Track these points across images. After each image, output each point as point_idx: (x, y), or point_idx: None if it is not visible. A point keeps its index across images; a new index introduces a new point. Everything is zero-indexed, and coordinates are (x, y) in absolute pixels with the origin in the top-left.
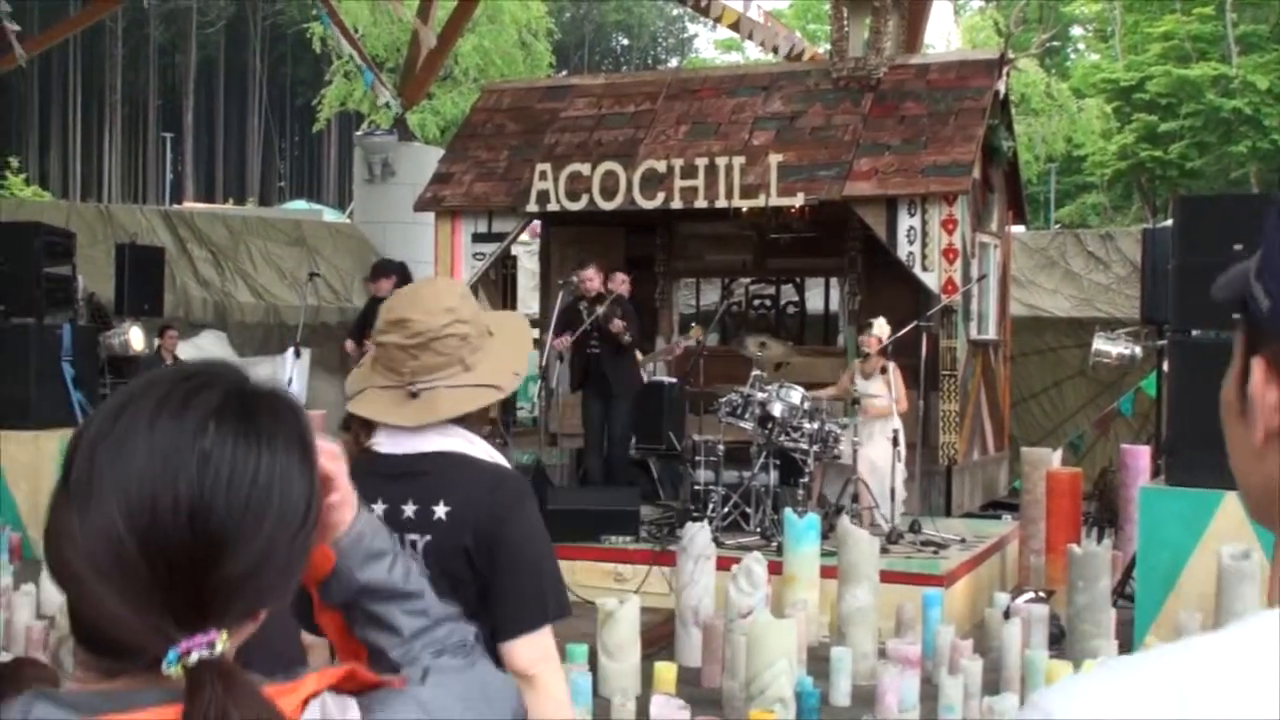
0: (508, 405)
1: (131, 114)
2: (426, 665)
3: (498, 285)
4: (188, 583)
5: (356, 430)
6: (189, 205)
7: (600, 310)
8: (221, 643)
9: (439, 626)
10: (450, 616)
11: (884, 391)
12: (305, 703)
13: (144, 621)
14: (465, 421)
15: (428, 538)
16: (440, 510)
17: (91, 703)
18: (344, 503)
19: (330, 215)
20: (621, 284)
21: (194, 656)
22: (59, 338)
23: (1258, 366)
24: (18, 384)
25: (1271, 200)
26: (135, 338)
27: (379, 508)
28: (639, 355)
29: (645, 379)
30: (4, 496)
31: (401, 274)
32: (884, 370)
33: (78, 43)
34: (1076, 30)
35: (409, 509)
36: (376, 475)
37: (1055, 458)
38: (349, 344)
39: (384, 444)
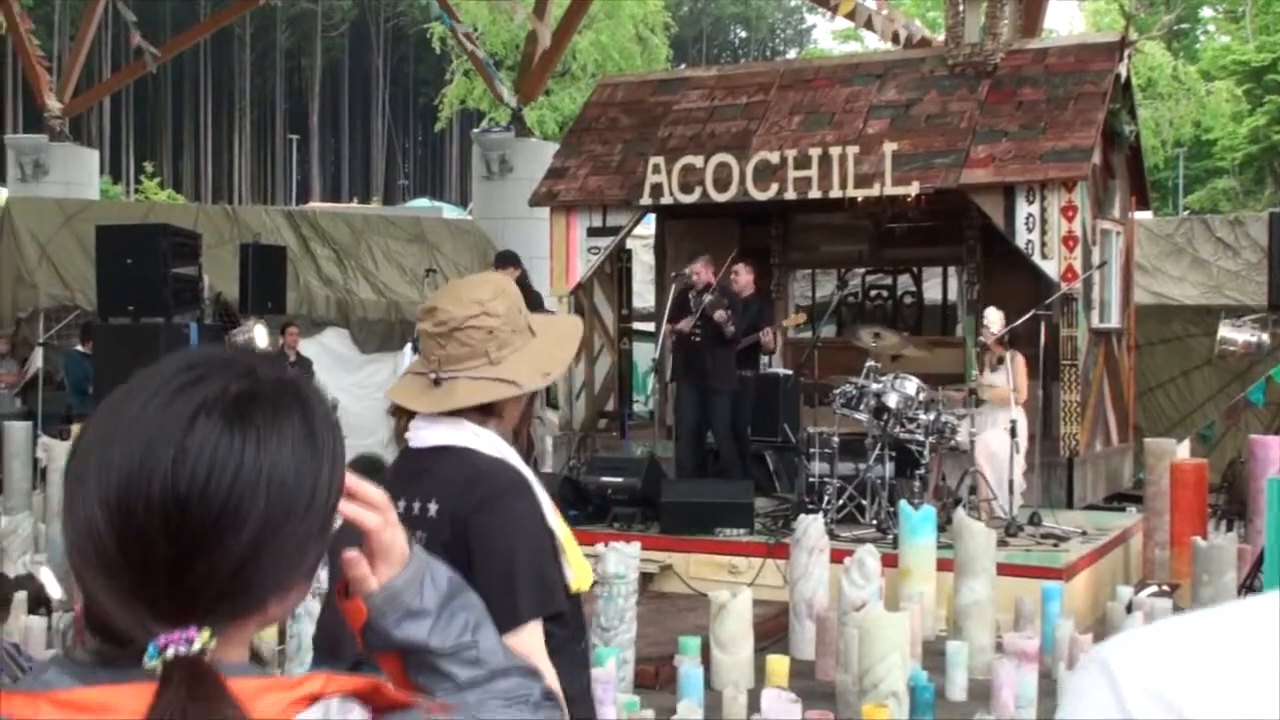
0: (626, 398)
1: (259, 118)
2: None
3: (613, 279)
4: (167, 578)
5: (402, 421)
6: (313, 205)
7: (707, 299)
8: (202, 640)
9: (500, 679)
10: (517, 669)
11: (1004, 382)
12: (311, 701)
13: (129, 613)
14: (492, 418)
15: (420, 535)
16: (432, 507)
17: (90, 673)
18: (380, 556)
19: (451, 212)
20: (742, 274)
21: (170, 652)
22: (186, 336)
23: None
24: None
25: None
26: (260, 335)
27: (400, 504)
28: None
29: (760, 369)
30: None
31: (518, 265)
32: (1001, 360)
33: (207, 49)
34: (1206, 12)
35: (416, 506)
36: (403, 472)
37: (1181, 449)
38: None
39: (412, 437)
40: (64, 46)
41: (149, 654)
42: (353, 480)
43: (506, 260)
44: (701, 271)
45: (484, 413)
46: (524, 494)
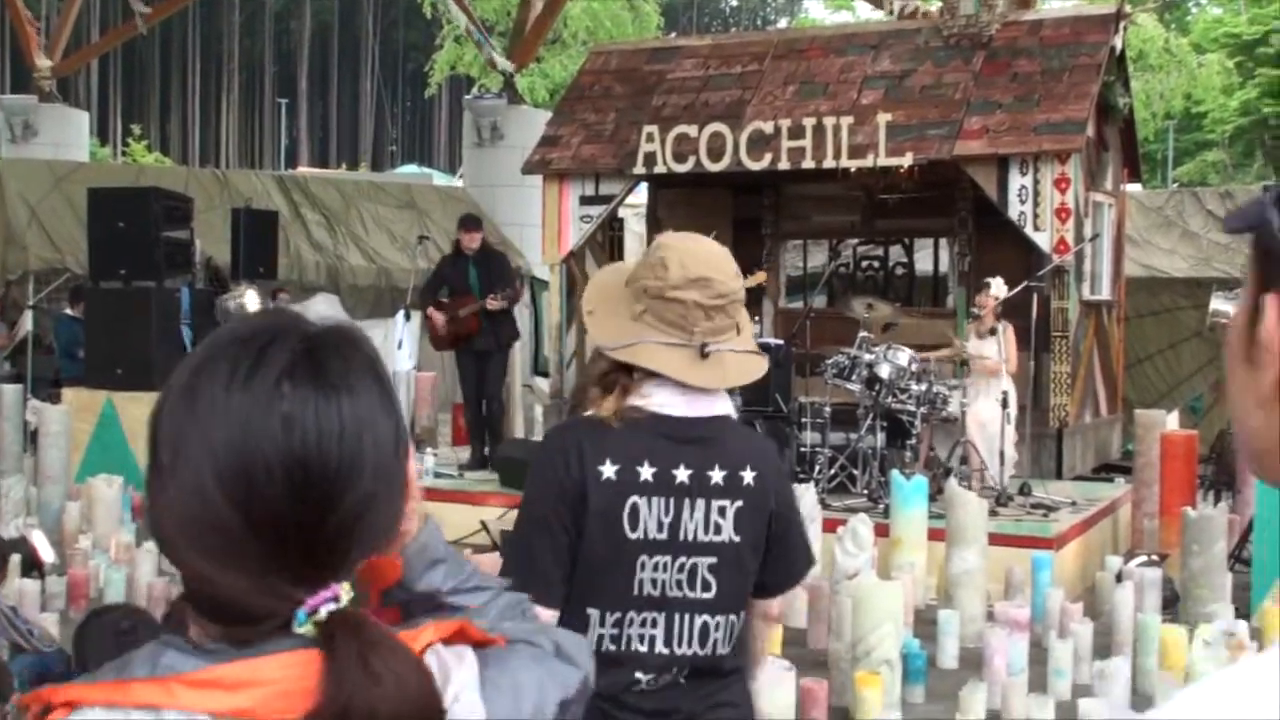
0: None
1: (248, 81)
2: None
3: (605, 248)
4: (299, 543)
5: (625, 383)
6: (303, 170)
7: None
8: (345, 594)
9: (496, 596)
10: (497, 584)
11: (994, 352)
12: (423, 651)
13: (263, 587)
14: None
15: (739, 503)
16: (748, 475)
17: (226, 650)
18: (413, 512)
19: (440, 179)
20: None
21: (323, 612)
22: (178, 300)
23: (1272, 306)
24: (139, 346)
25: None
26: (251, 300)
27: (680, 472)
28: None
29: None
30: (127, 457)
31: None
32: (993, 331)
33: (196, 11)
34: None
35: (716, 474)
36: (664, 437)
37: (1170, 420)
38: (436, 315)
39: (670, 405)
40: (52, 8)
41: (298, 620)
42: None
43: (476, 224)
44: None
45: None
46: None
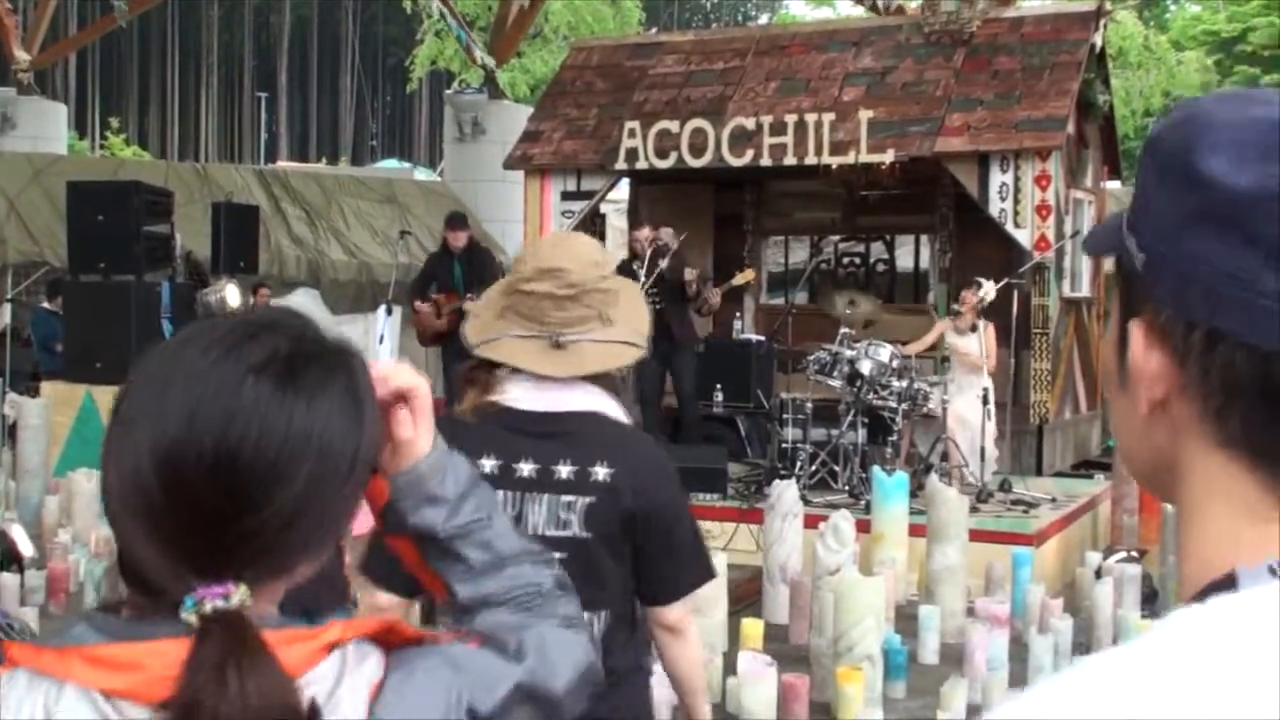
0: None
1: (227, 74)
2: (477, 622)
3: None
4: (210, 532)
5: (485, 380)
6: (283, 164)
7: (663, 264)
8: (239, 595)
9: (511, 565)
10: (529, 555)
11: (975, 348)
12: (329, 649)
13: (167, 565)
14: (600, 381)
15: (589, 499)
16: (601, 472)
17: (121, 629)
18: (423, 415)
19: (421, 174)
20: (672, 238)
21: (208, 605)
22: (159, 295)
23: (1136, 331)
24: (119, 340)
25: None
26: (231, 295)
27: (524, 466)
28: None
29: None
30: None
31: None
32: (974, 329)
33: (175, 5)
34: None
35: (564, 469)
36: (510, 430)
37: None
38: (423, 306)
39: (521, 398)
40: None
41: (186, 606)
42: (383, 364)
43: (461, 223)
44: (641, 240)
45: (596, 377)
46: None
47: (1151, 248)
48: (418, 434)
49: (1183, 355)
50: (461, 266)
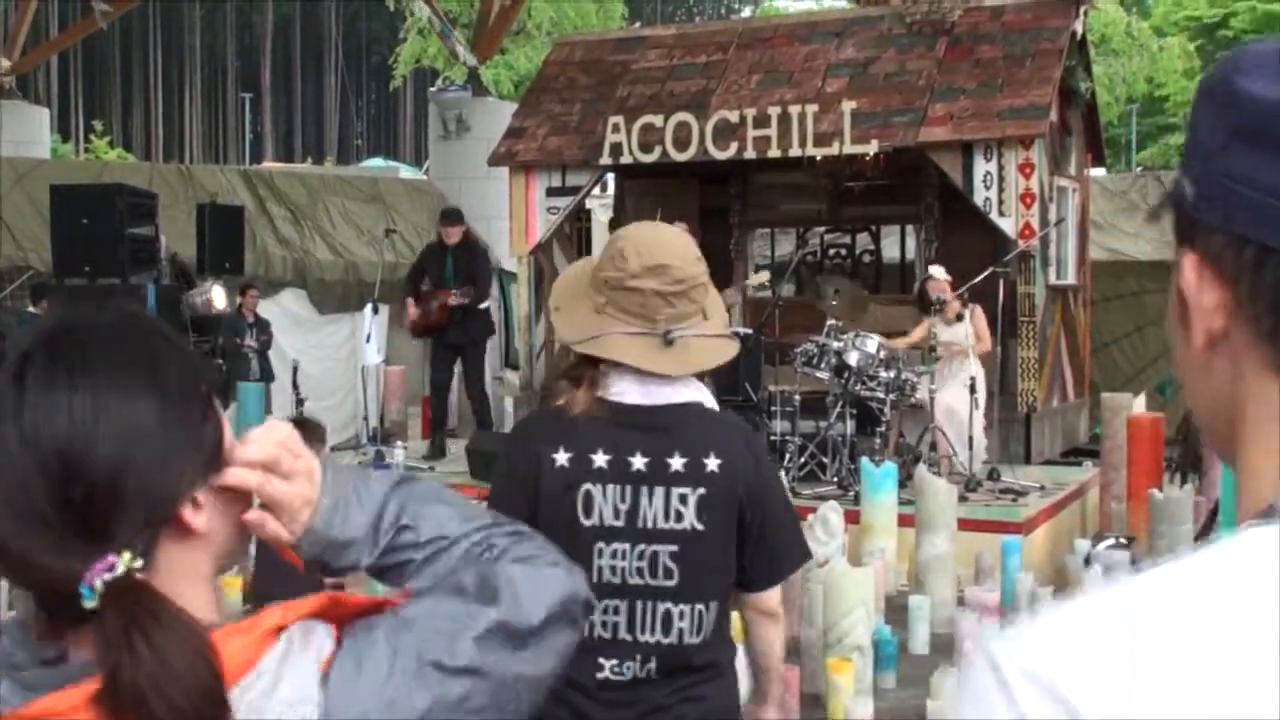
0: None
1: (210, 75)
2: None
3: (572, 239)
4: (55, 517)
5: (592, 376)
6: (268, 165)
7: None
8: (124, 563)
9: (462, 542)
10: (477, 529)
11: (963, 337)
12: (276, 634)
13: (47, 563)
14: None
15: (702, 490)
16: (712, 463)
17: (45, 676)
18: (278, 510)
19: (406, 172)
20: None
21: (98, 583)
22: (143, 297)
23: (1188, 263)
24: None
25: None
26: (218, 296)
27: (636, 459)
28: None
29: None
30: None
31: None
32: (960, 317)
33: (156, 6)
34: None
35: (676, 462)
36: (620, 425)
37: (1136, 403)
38: (413, 304)
39: (627, 392)
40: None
41: (85, 597)
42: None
43: (456, 218)
44: None
45: None
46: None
47: (1200, 176)
48: (290, 507)
49: (1234, 278)
50: (453, 261)
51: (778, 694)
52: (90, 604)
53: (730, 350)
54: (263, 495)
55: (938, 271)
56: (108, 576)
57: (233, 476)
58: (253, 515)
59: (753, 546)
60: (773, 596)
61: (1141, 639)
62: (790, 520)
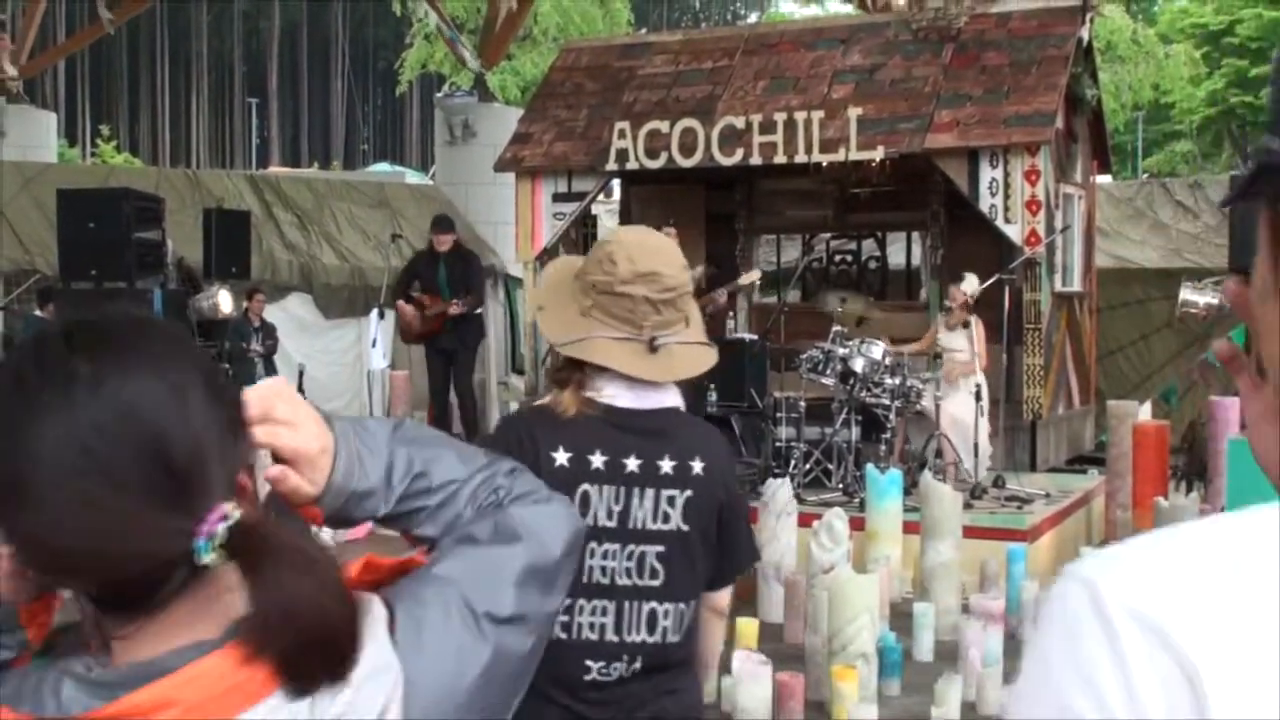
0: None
1: (217, 80)
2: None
3: (578, 245)
4: (162, 483)
5: (579, 378)
6: (274, 169)
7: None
8: (234, 509)
9: (466, 485)
10: (480, 469)
11: (966, 345)
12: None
13: (157, 524)
14: None
15: (689, 493)
16: (698, 466)
17: (121, 678)
18: (297, 463)
19: (413, 177)
20: (673, 238)
21: (220, 529)
22: (150, 302)
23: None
24: None
25: None
26: (224, 301)
27: (630, 462)
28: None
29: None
30: None
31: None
32: (966, 325)
33: (163, 11)
34: None
35: (666, 464)
36: (615, 427)
37: (1142, 411)
38: (407, 308)
39: (618, 396)
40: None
41: (201, 551)
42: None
43: (448, 226)
44: None
45: None
46: None
47: None
48: (308, 454)
49: None
50: (447, 269)
51: (712, 682)
52: (208, 558)
53: (710, 358)
54: (276, 447)
55: (969, 283)
56: (228, 523)
57: (257, 435)
58: (274, 470)
59: (720, 548)
60: (727, 595)
61: (1251, 586)
62: (744, 522)
